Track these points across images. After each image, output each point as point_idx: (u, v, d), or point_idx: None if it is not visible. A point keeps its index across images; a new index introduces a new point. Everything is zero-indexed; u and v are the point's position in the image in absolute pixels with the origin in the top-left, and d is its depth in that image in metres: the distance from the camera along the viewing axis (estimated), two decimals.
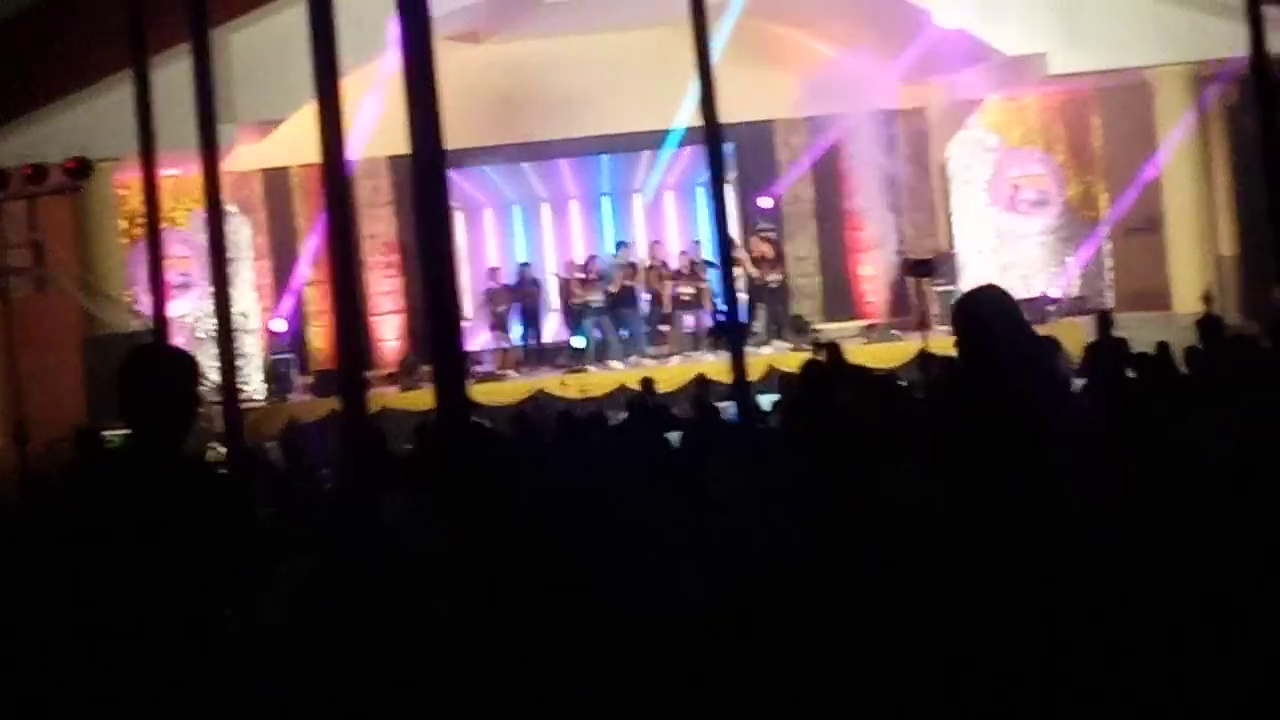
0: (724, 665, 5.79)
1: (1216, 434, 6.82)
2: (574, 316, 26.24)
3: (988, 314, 5.45)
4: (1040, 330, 21.46)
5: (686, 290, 26.08)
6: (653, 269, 26.57)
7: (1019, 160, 28.47)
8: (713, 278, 25.43)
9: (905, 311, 27.08)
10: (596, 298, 25.98)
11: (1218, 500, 5.45)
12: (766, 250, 26.55)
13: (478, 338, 26.81)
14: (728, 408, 14.44)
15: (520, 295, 26.59)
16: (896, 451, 7.06)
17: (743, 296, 25.55)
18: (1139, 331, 18.97)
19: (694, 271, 26.23)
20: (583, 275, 26.40)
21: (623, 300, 26.08)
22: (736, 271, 24.25)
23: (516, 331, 26.66)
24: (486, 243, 28.98)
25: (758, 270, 26.13)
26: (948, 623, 5.39)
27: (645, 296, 26.40)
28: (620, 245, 27.29)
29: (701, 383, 19.74)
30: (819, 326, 26.40)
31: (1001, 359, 5.35)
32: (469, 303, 26.70)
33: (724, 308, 21.44)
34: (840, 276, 29.05)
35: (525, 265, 27.28)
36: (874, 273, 28.85)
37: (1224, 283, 26.03)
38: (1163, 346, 14.02)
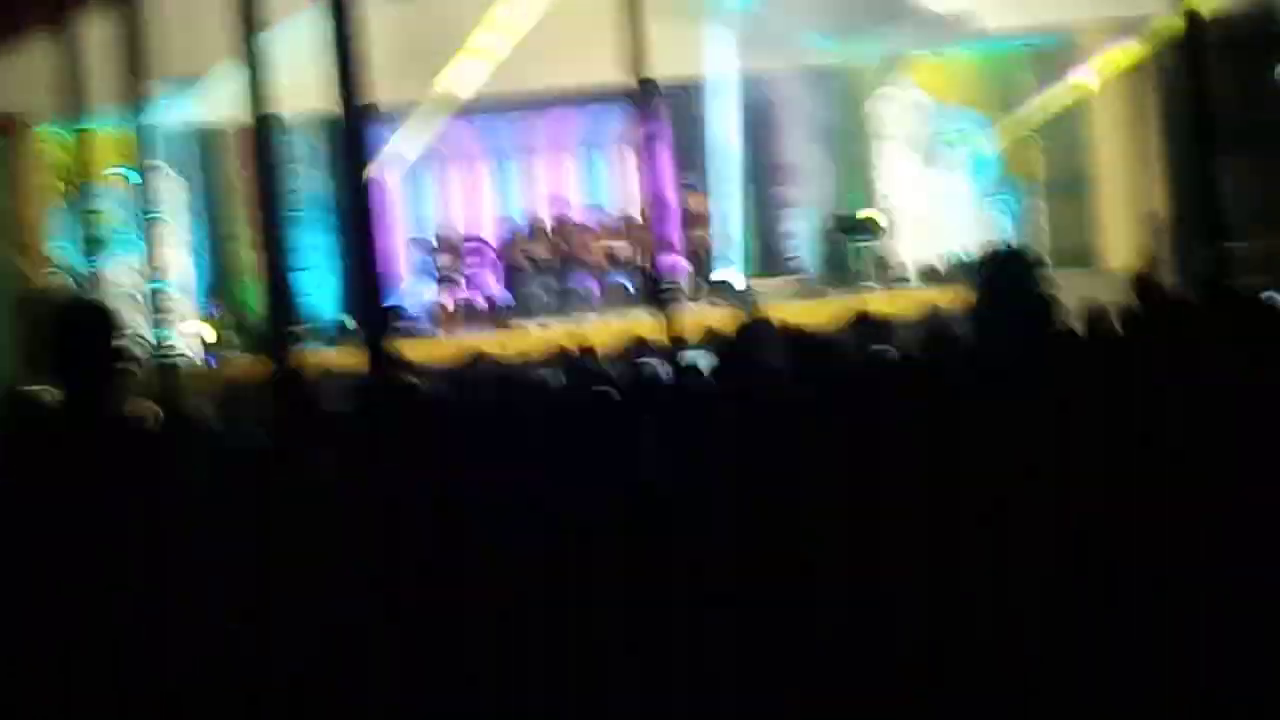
0: (643, 638, 5.79)
1: (1156, 396, 6.83)
2: (517, 274, 26.16)
3: (1023, 274, 5.39)
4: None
5: (619, 247, 26.07)
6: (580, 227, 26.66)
7: (950, 118, 28.52)
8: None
9: (836, 269, 27.10)
10: (541, 255, 25.99)
11: (1157, 464, 5.44)
12: (701, 207, 26.61)
13: (416, 294, 26.78)
14: (664, 367, 14.40)
15: (462, 252, 26.50)
16: (826, 412, 7.05)
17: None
18: (1070, 290, 19.04)
19: (628, 230, 26.23)
20: (527, 233, 26.40)
21: (567, 258, 26.07)
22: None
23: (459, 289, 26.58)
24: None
25: (692, 229, 26.22)
26: (880, 593, 5.38)
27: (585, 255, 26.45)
28: (561, 201, 27.27)
29: (638, 343, 19.68)
30: (751, 285, 26.41)
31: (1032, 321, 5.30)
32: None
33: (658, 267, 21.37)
34: (772, 235, 29.06)
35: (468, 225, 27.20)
36: (805, 230, 28.87)
37: (1154, 242, 26.16)
38: (1099, 305, 14.05)
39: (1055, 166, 27.86)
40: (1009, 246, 5.72)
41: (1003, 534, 5.03)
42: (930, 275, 26.47)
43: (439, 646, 5.21)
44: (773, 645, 5.94)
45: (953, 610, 5.05)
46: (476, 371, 20.47)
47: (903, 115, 28.58)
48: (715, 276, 26.29)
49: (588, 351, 19.78)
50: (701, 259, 26.33)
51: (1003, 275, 5.37)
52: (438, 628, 5.22)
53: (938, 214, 28.35)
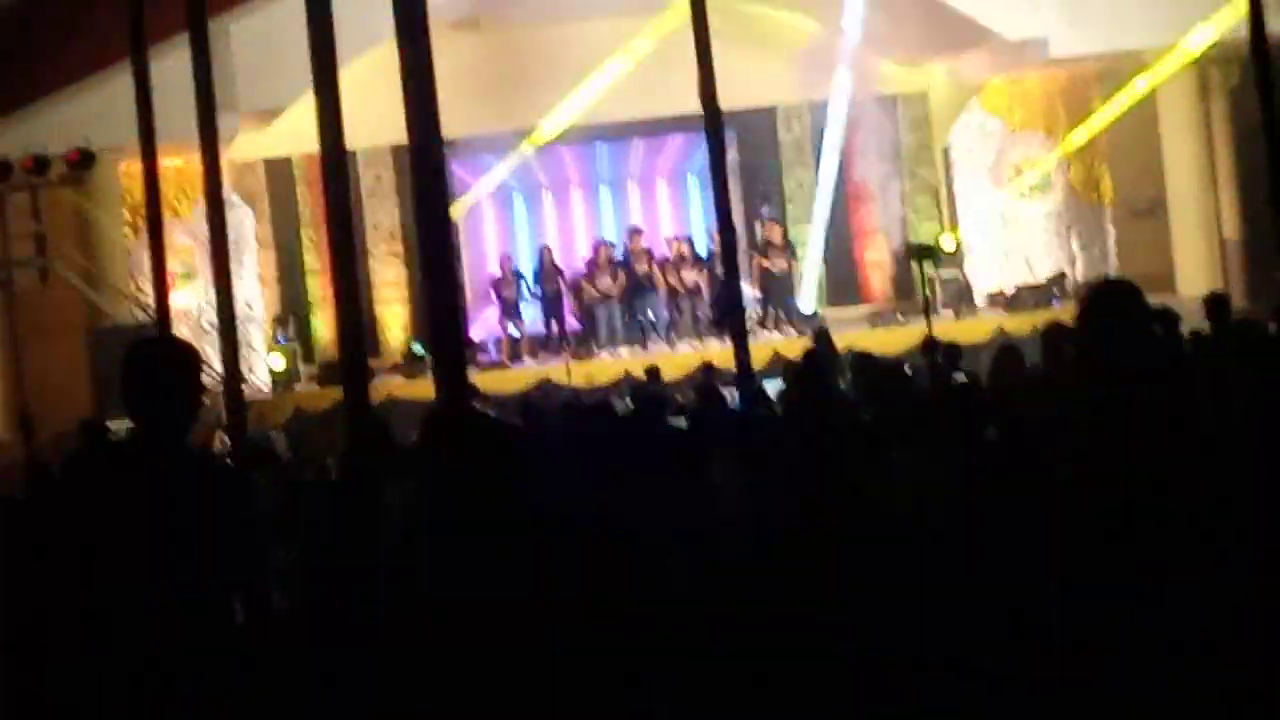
0: (710, 659, 5.78)
1: (1222, 419, 6.81)
2: (586, 304, 26.08)
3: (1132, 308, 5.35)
4: (1047, 314, 21.57)
5: (689, 277, 26.05)
6: (653, 256, 26.58)
7: (1021, 143, 28.39)
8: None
9: (909, 296, 27.03)
10: (609, 284, 25.88)
11: (1222, 486, 5.42)
12: (776, 236, 26.56)
13: (486, 326, 26.82)
14: (734, 395, 14.45)
15: (542, 283, 26.34)
16: (897, 438, 7.04)
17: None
18: None
19: (694, 259, 26.20)
20: (594, 262, 26.30)
21: (637, 288, 25.95)
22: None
23: (529, 318, 26.47)
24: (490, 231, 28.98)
25: (766, 257, 26.20)
26: (940, 617, 5.36)
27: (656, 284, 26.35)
28: (634, 232, 27.18)
29: (708, 370, 19.69)
30: (822, 312, 26.42)
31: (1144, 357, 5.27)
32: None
33: (728, 295, 21.36)
34: (844, 262, 28.99)
35: (545, 249, 26.93)
36: (878, 258, 28.81)
37: (1228, 266, 25.99)
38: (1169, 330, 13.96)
39: (1127, 190, 27.70)
40: (1111, 279, 5.70)
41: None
42: (1003, 301, 26.41)
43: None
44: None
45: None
46: (545, 398, 20.54)
47: (975, 140, 28.47)
48: (788, 304, 26.26)
49: (655, 378, 19.84)
50: (775, 287, 26.26)
51: (1110, 307, 5.32)
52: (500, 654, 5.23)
53: (1010, 239, 28.20)
